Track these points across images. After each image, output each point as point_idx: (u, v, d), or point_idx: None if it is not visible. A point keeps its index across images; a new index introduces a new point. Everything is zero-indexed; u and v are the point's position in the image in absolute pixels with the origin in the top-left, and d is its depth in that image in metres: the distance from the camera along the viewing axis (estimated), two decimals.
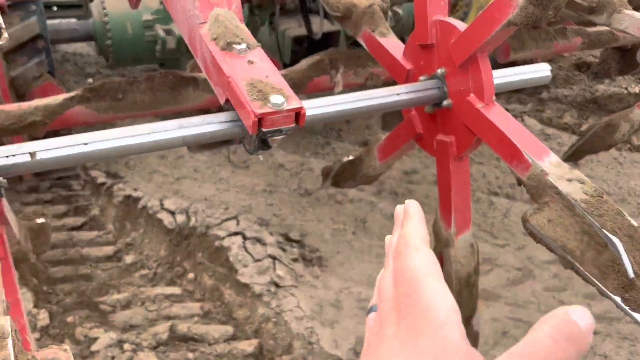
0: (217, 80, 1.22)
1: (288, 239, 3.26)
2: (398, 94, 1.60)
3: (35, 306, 2.63)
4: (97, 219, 3.44)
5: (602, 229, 1.16)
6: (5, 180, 1.14)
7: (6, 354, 0.73)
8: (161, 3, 4.03)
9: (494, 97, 1.57)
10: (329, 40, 4.00)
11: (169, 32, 4.03)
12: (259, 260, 2.91)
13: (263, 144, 1.19)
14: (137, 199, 3.40)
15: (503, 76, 1.74)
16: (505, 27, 1.40)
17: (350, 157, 2.16)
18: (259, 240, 3.02)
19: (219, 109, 2.65)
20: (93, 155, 1.13)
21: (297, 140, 4.57)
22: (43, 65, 3.23)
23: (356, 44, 4.90)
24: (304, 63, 2.48)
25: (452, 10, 3.57)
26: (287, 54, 4.06)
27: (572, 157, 2.90)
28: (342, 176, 2.22)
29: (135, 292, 2.84)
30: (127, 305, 2.76)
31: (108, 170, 3.87)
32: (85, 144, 1.10)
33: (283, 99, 1.12)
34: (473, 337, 1.94)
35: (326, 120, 1.70)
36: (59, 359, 0.78)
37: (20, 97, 2.86)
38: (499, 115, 1.52)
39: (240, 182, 3.87)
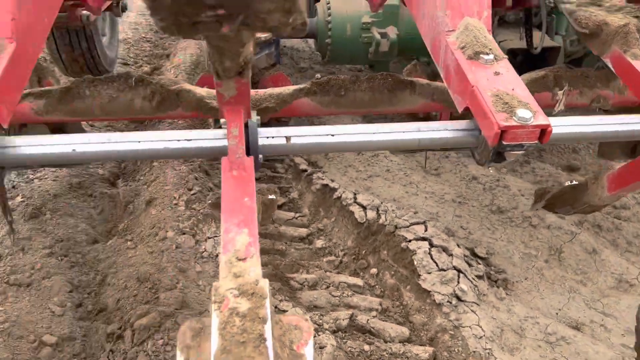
0: (458, 88, 1.25)
1: (474, 254, 3.18)
2: None
3: None
4: (296, 201, 3.71)
5: None
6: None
7: (264, 313, 0.83)
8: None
9: None
10: (546, 55, 3.79)
11: (384, 35, 4.17)
12: (443, 270, 2.89)
13: (498, 156, 1.18)
14: (333, 189, 3.59)
15: None
16: None
17: (574, 182, 2.03)
18: (445, 250, 3.00)
19: (426, 116, 2.68)
20: (338, 147, 1.23)
21: None
22: (271, 57, 3.57)
23: (574, 62, 4.57)
24: (526, 77, 2.39)
25: None
26: None
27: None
28: (560, 200, 2.10)
29: (322, 276, 3.01)
30: (313, 286, 2.94)
31: (309, 159, 4.14)
32: (332, 135, 1.21)
33: (530, 113, 1.10)
34: None
35: (569, 142, 1.63)
36: (301, 327, 0.87)
37: (254, 83, 3.20)
38: None
39: (430, 188, 3.87)
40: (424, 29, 1.51)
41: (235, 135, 1.18)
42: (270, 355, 0.75)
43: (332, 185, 3.65)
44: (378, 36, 4.14)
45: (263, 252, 3.19)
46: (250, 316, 0.79)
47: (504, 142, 1.10)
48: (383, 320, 2.76)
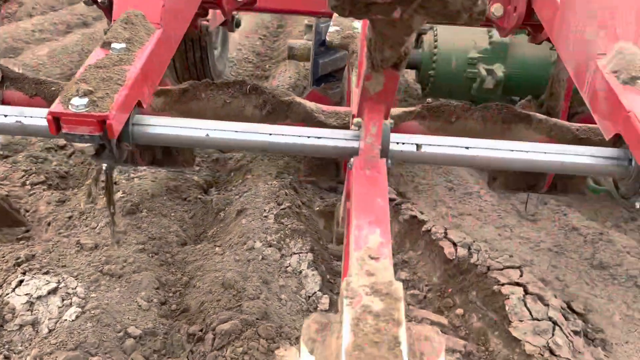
0: (608, 114, 1.16)
1: (570, 308, 2.96)
2: None
3: (320, 290, 2.89)
4: None
5: None
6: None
7: (399, 315, 0.78)
8: (490, 43, 4.10)
9: None
10: None
11: (490, 72, 4.08)
12: (537, 319, 2.70)
13: None
14: (422, 222, 3.49)
15: None
16: None
17: None
18: (540, 299, 2.81)
19: None
20: (472, 161, 1.18)
21: (597, 207, 4.16)
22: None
23: None
24: None
25: None
26: None
27: None
28: None
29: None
30: None
31: (397, 189, 4.07)
32: (467, 147, 1.15)
33: None
34: None
35: None
36: (432, 339, 0.80)
37: None
38: None
39: (525, 233, 3.68)
40: (566, 52, 1.43)
41: (373, 133, 1.15)
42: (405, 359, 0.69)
43: (420, 217, 3.55)
44: (484, 72, 4.06)
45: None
46: (384, 317, 0.74)
47: None
48: None
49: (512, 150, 1.18)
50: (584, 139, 1.74)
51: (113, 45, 1.27)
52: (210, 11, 3.12)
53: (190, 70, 3.95)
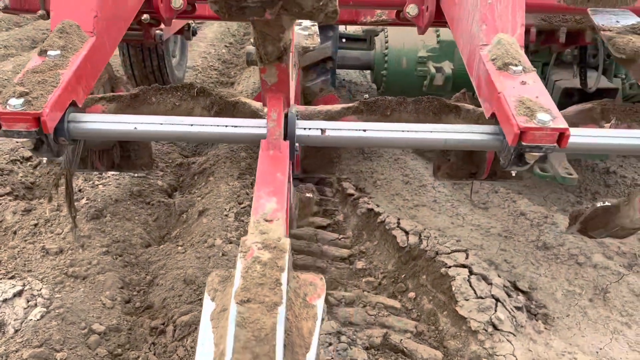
0: (487, 96, 1.33)
1: (515, 287, 3.15)
2: None
3: None
4: (340, 224, 3.79)
5: None
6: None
7: (283, 263, 0.93)
8: (438, 42, 4.31)
9: None
10: (602, 96, 3.79)
11: (439, 69, 4.28)
12: (481, 297, 2.88)
13: (519, 159, 1.25)
14: (378, 214, 3.66)
15: None
16: None
17: (606, 204, 2.04)
18: (484, 278, 2.99)
19: None
20: (369, 142, 1.34)
21: (546, 193, 4.39)
22: (327, 84, 3.74)
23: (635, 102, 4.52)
24: (572, 109, 2.43)
25: None
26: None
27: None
28: (593, 223, 2.10)
29: (359, 295, 3.06)
30: (350, 303, 3.00)
31: (357, 185, 4.24)
32: (364, 130, 1.31)
33: (550, 117, 1.17)
34: None
35: (590, 151, 1.66)
36: (316, 283, 0.96)
37: (307, 102, 3.37)
38: None
39: (476, 221, 3.87)
40: (461, 44, 1.61)
41: (274, 118, 1.31)
42: (284, 298, 0.84)
43: (376, 209, 3.72)
44: (433, 70, 4.26)
45: (304, 267, 3.28)
46: (270, 265, 0.89)
47: (524, 143, 1.17)
48: (417, 343, 2.77)
49: (403, 131, 1.35)
50: None
51: (49, 52, 1.41)
52: None
53: (149, 78, 4.07)
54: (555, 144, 1.18)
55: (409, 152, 4.78)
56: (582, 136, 1.37)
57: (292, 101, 1.60)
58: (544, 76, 4.03)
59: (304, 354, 0.87)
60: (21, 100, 1.26)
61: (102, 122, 1.51)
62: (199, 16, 2.95)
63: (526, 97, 1.23)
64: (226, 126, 1.45)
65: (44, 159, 4.06)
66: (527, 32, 2.90)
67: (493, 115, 1.30)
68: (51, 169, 4.21)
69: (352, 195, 4.01)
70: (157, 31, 3.18)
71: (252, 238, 0.96)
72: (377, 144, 1.34)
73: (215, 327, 0.87)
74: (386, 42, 4.41)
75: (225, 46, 8.47)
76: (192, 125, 1.46)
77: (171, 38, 4.20)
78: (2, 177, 3.95)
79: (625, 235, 2.08)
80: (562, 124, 1.17)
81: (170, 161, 4.45)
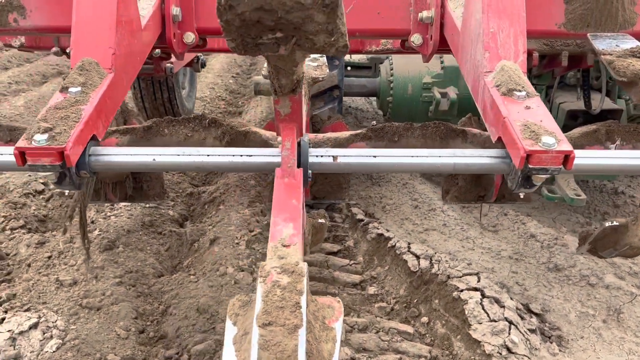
0: (492, 121, 1.37)
1: (528, 309, 3.15)
2: None
3: None
4: (351, 249, 3.81)
5: None
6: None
7: (302, 287, 0.96)
8: (442, 68, 4.38)
9: None
10: (607, 118, 3.82)
11: (444, 95, 4.34)
12: (495, 320, 2.88)
13: (526, 181, 1.28)
14: (388, 239, 3.68)
15: None
16: None
17: (614, 223, 2.05)
18: (497, 301, 2.99)
19: None
20: (380, 168, 1.38)
21: (555, 215, 4.39)
22: (334, 111, 3.81)
23: None
24: (576, 131, 2.46)
25: None
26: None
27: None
28: (602, 243, 2.11)
29: (372, 321, 3.06)
30: (363, 329, 3.00)
31: (367, 210, 4.27)
32: (375, 156, 1.35)
33: (554, 140, 1.21)
34: None
35: (596, 172, 1.69)
36: (334, 306, 0.99)
37: (316, 130, 3.43)
38: None
39: (487, 244, 3.88)
40: (466, 71, 1.66)
41: (287, 147, 1.36)
42: (304, 320, 0.87)
43: (387, 234, 3.74)
44: (438, 95, 4.32)
45: (316, 294, 3.29)
46: (289, 288, 0.92)
47: (530, 166, 1.20)
48: None
49: (413, 156, 1.39)
50: None
51: (70, 89, 1.48)
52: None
53: (160, 110, 4.16)
54: (561, 166, 1.21)
55: (417, 177, 4.82)
56: (587, 157, 1.40)
57: (304, 130, 1.66)
58: (547, 99, 4.08)
59: None
60: (45, 136, 1.31)
61: (121, 154, 1.57)
62: (210, 49, 3.04)
63: (531, 121, 1.27)
64: (241, 155, 1.50)
65: (56, 191, 4.13)
66: (530, 56, 2.95)
67: (499, 139, 1.34)
68: (63, 202, 4.28)
69: (362, 220, 4.03)
70: (168, 64, 3.27)
71: (270, 263, 1.00)
72: (387, 169, 1.38)
73: (237, 350, 0.90)
74: (391, 69, 4.49)
75: (232, 77, 8.62)
76: (208, 155, 1.51)
77: (181, 70, 4.30)
78: (16, 211, 4.01)
79: (635, 254, 2.09)
80: (566, 146, 1.20)
81: (180, 191, 4.50)
